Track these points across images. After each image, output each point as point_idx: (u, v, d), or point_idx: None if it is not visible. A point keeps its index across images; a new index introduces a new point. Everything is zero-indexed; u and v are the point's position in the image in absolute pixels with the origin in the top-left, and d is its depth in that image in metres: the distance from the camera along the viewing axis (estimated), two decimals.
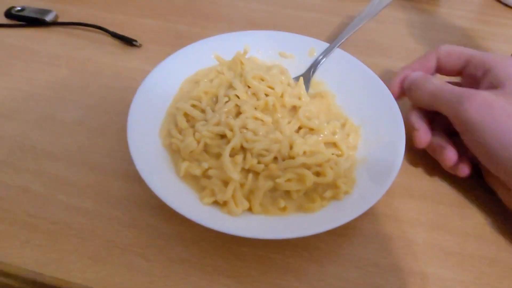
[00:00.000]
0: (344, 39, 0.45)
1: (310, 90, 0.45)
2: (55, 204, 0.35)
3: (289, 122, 0.39)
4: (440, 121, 0.39)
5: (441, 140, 0.37)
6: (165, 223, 0.34)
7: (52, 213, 0.35)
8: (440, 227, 0.35)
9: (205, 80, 0.42)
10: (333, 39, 0.54)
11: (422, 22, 0.60)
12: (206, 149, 0.36)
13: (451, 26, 0.60)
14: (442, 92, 0.35)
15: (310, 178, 0.32)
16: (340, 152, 0.37)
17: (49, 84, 0.47)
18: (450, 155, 0.36)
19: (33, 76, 0.48)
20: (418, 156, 0.40)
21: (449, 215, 0.36)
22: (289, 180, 0.33)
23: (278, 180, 0.32)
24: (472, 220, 0.36)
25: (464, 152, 0.36)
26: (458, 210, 0.37)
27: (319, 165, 0.34)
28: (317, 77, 0.45)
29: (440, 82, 0.37)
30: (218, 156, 0.36)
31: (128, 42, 0.51)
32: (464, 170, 0.35)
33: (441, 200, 0.38)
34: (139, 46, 0.52)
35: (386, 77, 0.42)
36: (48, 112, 0.44)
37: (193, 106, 0.39)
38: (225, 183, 0.33)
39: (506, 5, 0.65)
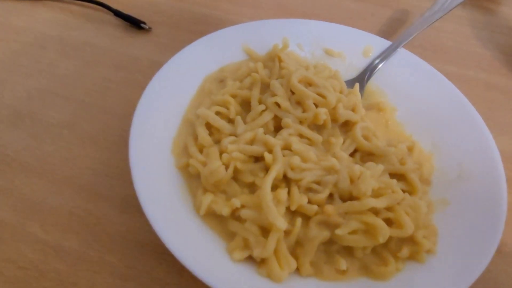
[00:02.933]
0: (411, 37, 0.35)
1: (363, 101, 0.35)
2: (26, 239, 0.26)
3: (343, 143, 0.30)
4: None
5: None
6: (177, 276, 0.25)
7: (21, 253, 0.25)
8: None
9: (233, 79, 0.33)
10: (386, 37, 0.45)
11: (485, 23, 0.50)
12: (235, 175, 0.26)
13: None
14: None
15: (385, 232, 0.23)
16: (410, 189, 0.28)
17: (31, 71, 0.37)
18: None
19: (12, 60, 0.38)
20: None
21: None
22: (353, 231, 0.23)
23: (338, 231, 0.23)
24: None
25: None
26: None
27: (391, 209, 0.25)
28: (371, 84, 0.36)
29: None
30: (251, 186, 0.26)
31: (135, 24, 0.41)
32: None
33: None
34: (149, 29, 0.42)
35: None
36: (27, 109, 0.34)
37: (218, 113, 0.30)
38: (264, 230, 0.24)
39: None
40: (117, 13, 0.42)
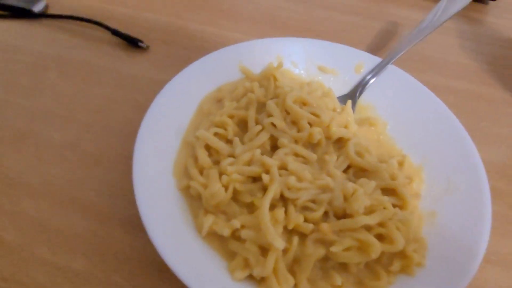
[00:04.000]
0: (401, 54, 0.37)
1: (355, 115, 0.36)
2: (33, 261, 0.27)
3: (336, 159, 0.31)
4: None
5: None
6: None
7: (31, 276, 0.26)
8: None
9: (230, 99, 0.34)
10: (376, 50, 0.47)
11: (472, 33, 0.52)
12: (234, 196, 0.28)
13: (502, 38, 0.52)
14: None
15: (377, 249, 0.24)
16: (401, 204, 0.29)
17: (32, 92, 0.38)
18: None
19: (12, 81, 0.39)
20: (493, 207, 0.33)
21: None
22: (347, 248, 0.25)
23: (333, 249, 0.24)
24: None
25: None
26: None
27: (382, 224, 0.26)
28: (363, 99, 0.37)
29: None
30: (250, 206, 0.27)
31: (133, 42, 0.42)
32: None
33: None
34: (146, 48, 0.43)
35: (442, 99, 0.34)
36: (29, 130, 0.35)
37: (216, 134, 0.31)
38: (263, 249, 0.25)
39: None
40: (115, 32, 0.43)
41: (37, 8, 0.45)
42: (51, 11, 0.46)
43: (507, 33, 0.53)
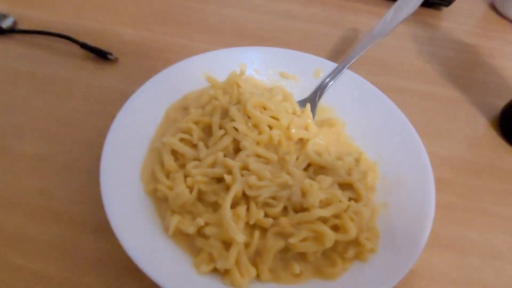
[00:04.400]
0: (354, 59, 0.39)
1: (316, 117, 0.39)
2: (8, 268, 0.28)
3: (296, 159, 0.33)
4: None
5: None
6: None
7: (6, 283, 0.27)
8: (475, 284, 0.31)
9: (196, 106, 0.36)
10: (336, 55, 0.50)
11: (427, 38, 0.56)
12: (200, 196, 0.29)
13: (456, 41, 0.56)
14: None
15: (331, 238, 0.27)
16: (357, 196, 0.32)
17: (4, 107, 0.39)
18: None
19: None
20: (442, 196, 0.36)
21: (482, 268, 0.32)
22: (304, 239, 0.27)
23: (291, 240, 0.27)
24: (508, 274, 0.32)
25: None
26: (492, 261, 0.32)
27: (337, 216, 0.29)
28: (323, 102, 0.40)
29: None
30: (214, 205, 0.29)
31: (102, 55, 0.44)
32: None
33: (470, 250, 0.33)
34: (115, 60, 0.44)
35: (397, 99, 0.37)
36: (2, 144, 0.36)
37: (182, 140, 0.33)
38: (226, 244, 0.27)
39: (506, 18, 0.62)
40: (84, 45, 0.44)
41: (5, 24, 0.46)
42: (20, 27, 0.47)
43: (459, 37, 0.57)
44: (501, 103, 0.46)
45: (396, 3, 0.42)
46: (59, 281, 0.28)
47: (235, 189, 0.28)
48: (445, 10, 0.61)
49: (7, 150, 0.35)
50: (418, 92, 0.47)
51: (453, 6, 0.61)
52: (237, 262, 0.26)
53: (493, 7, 0.63)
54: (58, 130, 0.37)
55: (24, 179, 0.33)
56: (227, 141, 0.32)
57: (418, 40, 0.55)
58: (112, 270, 0.29)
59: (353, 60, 0.39)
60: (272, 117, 0.33)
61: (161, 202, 0.29)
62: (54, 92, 0.41)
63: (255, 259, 0.27)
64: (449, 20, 0.60)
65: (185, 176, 0.30)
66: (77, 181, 0.33)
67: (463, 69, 0.51)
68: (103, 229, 0.31)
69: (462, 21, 0.60)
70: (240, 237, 0.26)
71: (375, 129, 0.37)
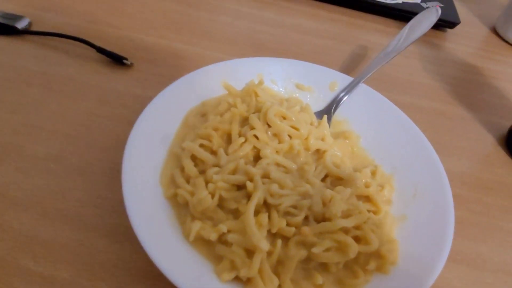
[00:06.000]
0: (370, 74, 0.40)
1: (331, 130, 0.39)
2: (18, 272, 0.27)
3: (315, 169, 0.33)
4: None
5: None
6: None
7: (14, 286, 0.26)
8: None
9: (214, 113, 0.36)
10: (347, 71, 0.50)
11: (433, 57, 0.57)
12: (220, 203, 0.29)
13: (461, 62, 0.57)
14: None
15: (355, 248, 0.26)
16: (375, 209, 0.32)
17: (16, 107, 0.38)
18: None
19: None
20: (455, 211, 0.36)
21: (496, 284, 0.32)
22: (327, 249, 0.27)
23: (314, 250, 0.26)
24: None
25: None
26: (505, 278, 0.32)
27: (358, 227, 0.29)
28: (338, 115, 0.40)
29: None
30: (235, 212, 0.29)
31: (118, 59, 0.44)
32: None
33: (485, 266, 0.33)
34: (131, 65, 0.44)
35: (408, 116, 0.38)
36: (13, 143, 0.35)
37: (202, 146, 0.32)
38: (248, 252, 0.26)
39: (507, 42, 0.64)
40: (100, 50, 0.44)
41: (20, 25, 0.45)
42: (35, 28, 0.47)
43: (463, 57, 0.58)
44: (507, 123, 0.47)
45: (410, 23, 0.43)
46: (71, 287, 0.27)
47: (258, 197, 0.28)
48: (450, 32, 0.63)
49: (17, 149, 0.34)
50: (427, 109, 0.48)
51: (457, 28, 0.63)
52: (260, 271, 0.25)
53: (494, 31, 0.66)
54: (71, 131, 0.37)
55: (35, 179, 0.33)
56: (247, 149, 0.32)
57: (424, 59, 0.56)
58: (128, 277, 0.28)
59: (369, 75, 0.40)
60: (291, 127, 0.33)
61: (180, 207, 0.29)
62: (68, 94, 0.40)
63: (277, 269, 0.26)
64: (454, 42, 0.62)
65: (206, 182, 0.29)
66: (90, 184, 0.33)
67: (469, 89, 0.52)
68: (118, 234, 0.30)
69: (466, 43, 0.62)
70: (264, 245, 0.25)
71: (390, 142, 0.37)
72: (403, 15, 0.62)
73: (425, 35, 0.61)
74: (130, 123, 0.32)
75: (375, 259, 0.28)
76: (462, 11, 0.69)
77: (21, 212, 0.30)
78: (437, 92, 0.51)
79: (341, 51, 0.54)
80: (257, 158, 0.32)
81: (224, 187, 0.29)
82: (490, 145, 0.44)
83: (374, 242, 0.27)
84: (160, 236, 0.26)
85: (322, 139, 0.36)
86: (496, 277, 0.32)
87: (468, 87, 0.53)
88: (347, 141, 0.38)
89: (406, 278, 0.27)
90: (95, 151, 0.35)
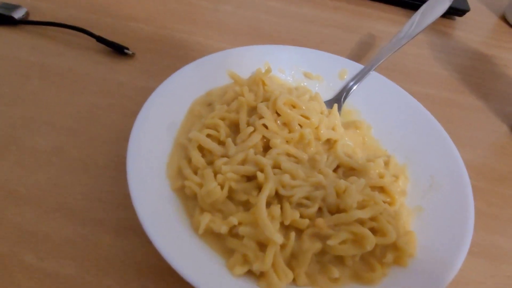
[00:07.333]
0: (382, 61, 0.39)
1: (342, 119, 0.38)
2: (21, 268, 0.26)
3: (326, 159, 0.32)
4: None
5: None
6: None
7: (17, 283, 0.25)
8: None
9: (221, 102, 0.34)
10: (357, 59, 0.49)
11: (442, 45, 0.56)
12: (230, 194, 0.28)
13: (470, 50, 0.56)
14: None
15: (372, 240, 0.25)
16: (390, 200, 0.30)
17: (15, 99, 0.37)
18: None
19: None
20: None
21: None
22: (343, 241, 0.25)
23: (330, 242, 0.25)
24: None
25: None
26: None
27: (374, 219, 0.27)
28: (348, 104, 0.39)
29: None
30: (245, 204, 0.28)
31: (119, 49, 0.42)
32: None
33: (503, 258, 0.32)
34: (132, 55, 0.43)
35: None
36: (12, 137, 0.34)
37: (209, 136, 0.31)
38: (261, 245, 0.25)
39: None
40: (100, 39, 0.43)
41: (17, 14, 0.44)
42: (33, 18, 0.45)
43: (473, 46, 0.57)
44: None
45: (422, 8, 0.42)
46: (75, 282, 0.26)
47: (269, 188, 0.26)
48: (459, 20, 0.62)
49: (17, 142, 0.33)
50: (438, 98, 0.46)
51: (466, 16, 0.61)
52: (274, 265, 0.24)
53: (503, 19, 0.64)
54: (71, 124, 0.35)
55: (36, 173, 0.31)
56: (256, 139, 0.30)
57: (434, 47, 0.55)
58: (134, 272, 0.27)
59: (380, 63, 0.39)
60: (302, 115, 0.32)
61: (188, 200, 0.28)
62: (67, 85, 0.39)
63: (291, 262, 0.25)
64: (463, 30, 0.60)
65: (215, 174, 0.28)
66: (93, 177, 0.32)
67: (480, 78, 0.51)
68: (123, 228, 0.29)
69: (475, 31, 0.60)
70: (278, 237, 0.24)
71: (402, 132, 0.36)
72: (410, 3, 0.60)
73: (434, 23, 0.60)
74: (133, 115, 0.31)
75: (392, 251, 0.26)
76: None
77: (23, 207, 0.29)
78: (447, 81, 0.49)
79: (348, 40, 0.53)
80: (266, 148, 0.31)
81: (234, 178, 0.27)
82: (504, 135, 0.43)
83: (391, 234, 0.26)
84: (168, 230, 0.25)
85: (333, 129, 0.34)
86: None
87: (479, 76, 0.51)
88: (358, 131, 0.37)
89: (424, 271, 0.25)
90: (97, 143, 0.34)
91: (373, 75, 0.39)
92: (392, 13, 0.60)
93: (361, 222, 0.27)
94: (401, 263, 0.26)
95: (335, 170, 0.32)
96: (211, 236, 0.26)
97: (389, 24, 0.57)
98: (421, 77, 0.49)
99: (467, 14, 0.61)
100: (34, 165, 0.32)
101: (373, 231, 0.27)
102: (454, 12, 0.60)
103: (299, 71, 0.40)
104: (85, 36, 0.43)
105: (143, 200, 0.25)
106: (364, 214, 0.26)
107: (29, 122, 0.35)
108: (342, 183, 0.28)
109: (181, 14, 0.51)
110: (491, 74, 0.52)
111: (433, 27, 0.58)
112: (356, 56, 0.50)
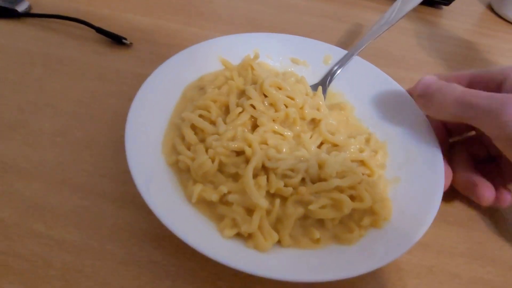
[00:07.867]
0: (364, 46, 0.41)
1: (326, 102, 0.40)
2: (31, 236, 0.28)
3: (310, 137, 0.34)
4: (462, 144, 0.35)
5: (470, 174, 0.32)
6: (173, 258, 0.28)
7: (28, 248, 0.28)
8: (480, 257, 0.32)
9: (212, 86, 0.37)
10: (344, 47, 0.51)
11: (428, 33, 0.58)
12: (220, 168, 0.30)
13: (456, 38, 0.58)
14: (476, 98, 0.28)
15: (349, 204, 0.28)
16: (369, 172, 0.33)
17: (20, 86, 0.39)
18: (486, 193, 0.31)
19: (1, 76, 0.40)
20: None
21: (486, 243, 0.33)
22: (323, 206, 0.28)
23: (311, 207, 0.28)
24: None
25: (497, 177, 0.33)
26: (495, 237, 0.34)
27: (353, 187, 0.30)
28: (333, 87, 0.41)
29: (466, 88, 0.29)
30: (234, 176, 0.30)
31: (117, 39, 0.45)
32: (506, 200, 0.32)
33: (475, 226, 0.34)
34: (130, 44, 0.45)
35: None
36: (19, 120, 0.36)
37: (201, 116, 0.33)
38: (248, 210, 0.28)
39: (503, 18, 0.64)
40: (99, 30, 0.45)
41: (21, 7, 0.46)
42: (35, 10, 0.48)
43: (458, 34, 0.59)
44: None
45: None
46: (82, 248, 0.28)
47: (256, 160, 0.29)
48: (445, 9, 0.64)
49: (23, 125, 0.36)
50: None
51: (452, 5, 0.63)
52: (260, 227, 0.27)
53: (490, 8, 0.66)
54: (74, 108, 0.38)
55: (42, 152, 0.34)
56: (245, 118, 0.33)
57: (420, 35, 0.57)
58: (134, 238, 0.29)
59: (363, 47, 0.41)
60: (287, 96, 0.34)
61: (182, 173, 0.30)
62: (69, 73, 0.41)
63: (276, 226, 0.28)
64: (449, 18, 0.62)
65: (206, 149, 0.30)
66: (96, 155, 0.34)
67: (464, 64, 0.53)
68: (123, 201, 0.31)
69: (461, 19, 0.62)
70: (263, 202, 0.27)
71: (383, 111, 0.38)
72: None
73: (420, 12, 0.62)
74: (131, 99, 0.33)
75: (369, 215, 0.29)
76: None
77: (30, 181, 0.32)
78: (432, 67, 0.52)
79: (336, 29, 0.55)
80: (254, 127, 0.33)
81: (224, 153, 0.30)
82: None
83: (367, 199, 0.29)
84: (165, 200, 0.27)
85: (318, 109, 0.37)
86: (488, 236, 0.34)
87: (462, 61, 0.54)
88: (342, 112, 0.39)
89: (397, 232, 0.28)
90: (98, 125, 0.37)
91: (357, 60, 0.41)
92: (379, 2, 0.62)
93: (341, 190, 0.29)
94: (377, 225, 0.29)
95: (319, 147, 0.35)
96: (203, 204, 0.28)
97: (376, 13, 0.59)
98: (406, 63, 0.51)
99: (454, 3, 0.63)
100: (40, 145, 0.34)
101: (352, 198, 0.30)
102: (441, 1, 0.62)
103: (286, 57, 0.42)
104: (85, 27, 0.46)
105: (142, 174, 0.28)
106: (342, 183, 0.29)
107: (35, 106, 0.37)
108: (324, 156, 0.31)
109: (176, 5, 0.54)
110: (474, 60, 0.54)
111: (420, 16, 0.61)
112: (343, 43, 0.52)
